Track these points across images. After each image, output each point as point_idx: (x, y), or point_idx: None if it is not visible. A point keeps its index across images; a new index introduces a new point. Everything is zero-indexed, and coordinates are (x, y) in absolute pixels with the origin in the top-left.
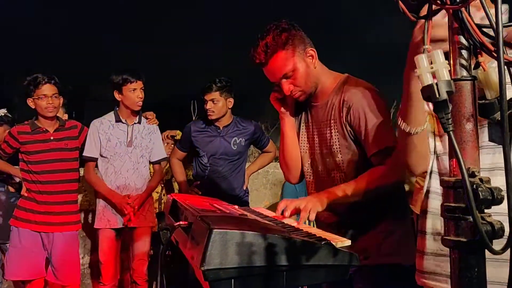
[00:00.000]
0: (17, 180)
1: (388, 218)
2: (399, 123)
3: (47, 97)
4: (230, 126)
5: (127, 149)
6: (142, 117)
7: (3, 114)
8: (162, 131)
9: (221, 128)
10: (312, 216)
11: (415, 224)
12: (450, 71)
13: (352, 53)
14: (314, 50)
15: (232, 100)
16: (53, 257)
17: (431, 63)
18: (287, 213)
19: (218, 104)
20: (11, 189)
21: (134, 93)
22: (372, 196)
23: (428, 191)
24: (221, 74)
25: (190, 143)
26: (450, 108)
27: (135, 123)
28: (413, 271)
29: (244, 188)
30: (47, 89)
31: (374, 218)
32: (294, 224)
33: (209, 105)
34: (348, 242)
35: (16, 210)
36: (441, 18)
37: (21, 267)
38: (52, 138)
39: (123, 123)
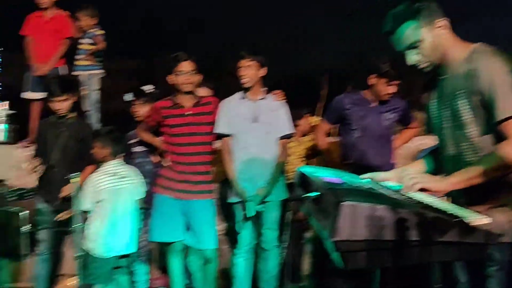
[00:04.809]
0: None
1: None
2: None
3: (184, 74)
4: (383, 102)
5: (252, 126)
6: (270, 94)
7: (152, 90)
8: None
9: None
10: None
11: None
12: None
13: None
14: (446, 21)
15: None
16: (191, 223)
17: None
18: (415, 187)
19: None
20: (155, 159)
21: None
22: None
23: None
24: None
25: (339, 116)
26: None
27: (260, 99)
28: None
29: (392, 162)
30: (185, 65)
31: (506, 193)
32: (426, 199)
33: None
34: (485, 220)
35: (158, 178)
36: None
37: (162, 230)
38: (189, 113)
39: (249, 100)
